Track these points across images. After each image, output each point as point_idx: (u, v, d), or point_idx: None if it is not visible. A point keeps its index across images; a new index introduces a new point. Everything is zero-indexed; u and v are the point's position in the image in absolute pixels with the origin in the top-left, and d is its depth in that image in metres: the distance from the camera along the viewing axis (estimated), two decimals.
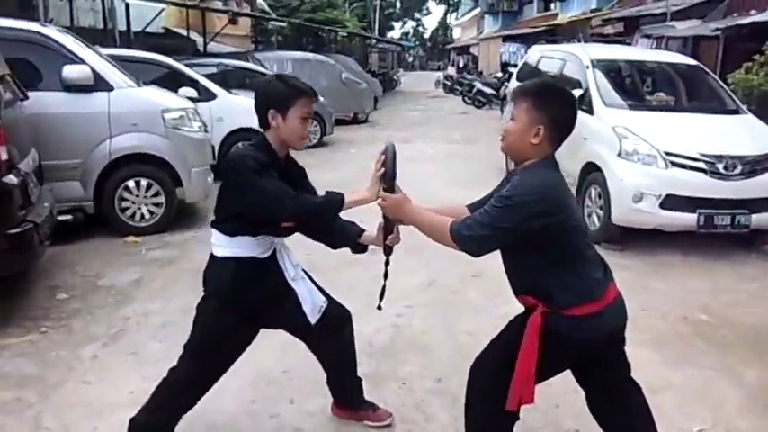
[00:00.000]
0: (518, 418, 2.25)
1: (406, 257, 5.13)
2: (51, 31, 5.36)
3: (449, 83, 28.19)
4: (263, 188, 2.19)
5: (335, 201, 2.30)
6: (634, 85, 6.56)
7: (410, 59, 67.02)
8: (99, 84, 5.27)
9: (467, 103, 21.62)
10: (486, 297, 4.43)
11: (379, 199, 2.22)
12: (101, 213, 5.51)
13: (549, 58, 7.82)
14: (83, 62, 5.22)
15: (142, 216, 5.62)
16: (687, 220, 5.17)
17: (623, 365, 2.32)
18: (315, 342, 2.66)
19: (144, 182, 5.56)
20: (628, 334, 3.95)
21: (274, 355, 3.39)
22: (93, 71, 5.21)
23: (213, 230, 2.41)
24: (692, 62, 6.94)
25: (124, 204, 5.54)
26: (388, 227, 2.37)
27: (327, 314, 2.54)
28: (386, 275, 2.50)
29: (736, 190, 5.17)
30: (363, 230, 2.55)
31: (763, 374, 3.45)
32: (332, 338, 2.63)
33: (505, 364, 2.11)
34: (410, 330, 3.87)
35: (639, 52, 8.59)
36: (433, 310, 4.18)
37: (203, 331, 2.44)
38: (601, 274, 2.13)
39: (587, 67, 6.39)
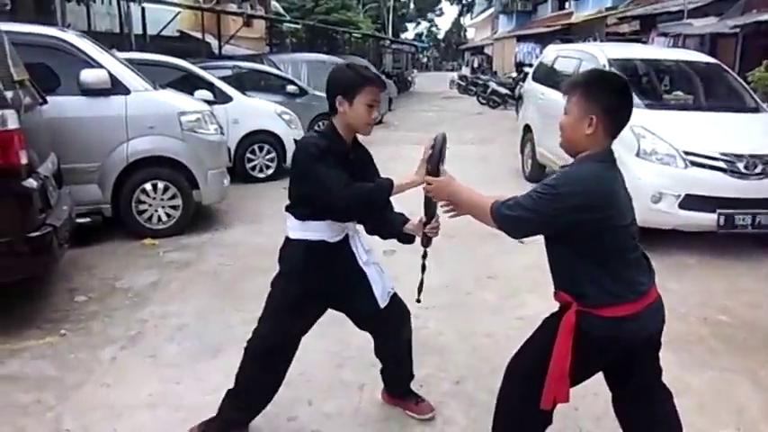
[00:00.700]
0: (550, 422, 2.22)
1: (418, 260, 5.14)
2: (70, 36, 5.42)
3: (463, 83, 28.12)
4: (317, 176, 2.29)
5: (385, 186, 2.38)
6: (651, 84, 6.49)
7: (424, 60, 66.96)
8: (116, 87, 5.31)
9: (481, 104, 21.55)
10: (502, 299, 4.41)
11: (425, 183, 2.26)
12: (118, 216, 5.56)
13: (565, 57, 7.75)
14: (100, 66, 5.26)
15: (159, 218, 5.66)
16: (707, 220, 5.11)
17: (656, 370, 2.28)
18: (381, 327, 2.72)
19: (161, 184, 5.59)
20: None
21: None
22: (111, 75, 5.25)
23: (287, 214, 2.52)
24: (711, 60, 6.85)
25: (141, 207, 5.58)
26: (429, 216, 2.46)
27: (393, 302, 2.64)
28: (423, 268, 2.59)
29: (757, 189, 5.09)
30: (408, 219, 2.62)
31: None
32: (395, 327, 2.72)
33: (540, 364, 2.08)
34: (427, 332, 3.85)
35: (656, 51, 8.50)
36: (448, 312, 4.16)
37: (274, 303, 2.58)
38: (643, 278, 2.09)
39: (604, 66, 6.32)
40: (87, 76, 5.15)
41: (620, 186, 2.08)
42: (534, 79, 8.60)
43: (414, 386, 3.17)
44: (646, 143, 5.32)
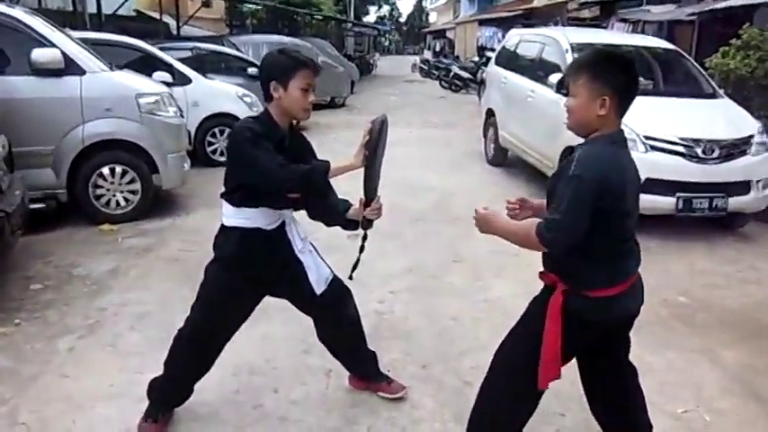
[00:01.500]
0: (536, 407, 2.23)
1: (385, 242, 5.13)
2: (18, 13, 5.17)
3: (425, 67, 28.09)
4: (252, 159, 2.25)
5: (321, 167, 2.33)
6: None
7: (386, 43, 66.58)
8: (70, 67, 5.10)
9: (444, 87, 21.59)
10: (467, 282, 4.43)
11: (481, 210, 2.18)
12: (74, 201, 5.37)
13: (527, 41, 7.78)
14: (53, 45, 5.04)
15: (117, 203, 5.49)
16: (666, 203, 5.22)
17: (627, 347, 2.33)
18: (321, 314, 2.71)
19: (119, 168, 5.42)
20: None
21: (256, 346, 3.35)
22: (64, 54, 5.04)
23: (222, 201, 2.48)
24: (670, 46, 6.96)
25: (99, 192, 5.40)
26: (368, 198, 2.43)
27: (332, 287, 2.62)
28: (362, 249, 2.57)
29: (714, 173, 5.22)
30: (351, 205, 2.58)
31: (742, 357, 3.50)
32: (338, 310, 2.70)
33: (531, 351, 2.08)
34: (393, 317, 3.85)
35: (618, 36, 8.59)
36: (414, 296, 4.16)
37: (207, 291, 2.55)
38: (633, 261, 2.11)
39: (567, 51, 6.38)
40: (39, 55, 4.93)
41: (633, 172, 2.05)
42: (497, 64, 8.62)
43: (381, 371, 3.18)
44: None
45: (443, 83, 21.78)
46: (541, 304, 2.10)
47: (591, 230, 1.93)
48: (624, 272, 2.08)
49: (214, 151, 8.16)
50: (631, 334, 3.68)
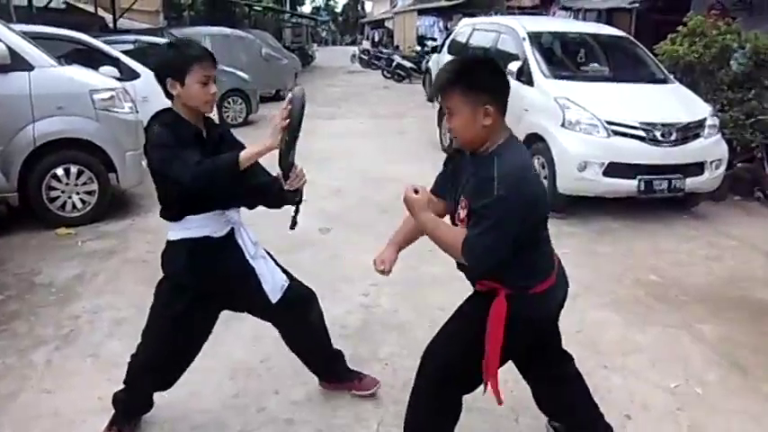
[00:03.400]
0: (460, 409, 2.23)
1: (357, 235, 5.09)
2: None
3: (365, 57, 27.95)
4: (164, 160, 2.15)
5: (234, 155, 2.14)
6: (570, 57, 6.71)
7: (323, 34, 66.00)
8: (17, 63, 4.80)
9: (386, 77, 21.57)
10: (447, 271, 4.36)
11: (411, 191, 2.02)
12: (27, 204, 5.08)
13: (481, 30, 7.85)
14: None
15: (74, 206, 5.22)
16: (628, 186, 5.38)
17: (559, 336, 2.37)
18: (281, 323, 2.62)
19: (74, 169, 5.14)
20: (585, 298, 4.12)
21: (247, 346, 3.27)
22: (10, 49, 4.73)
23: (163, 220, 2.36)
24: (622, 34, 7.16)
25: (53, 194, 5.12)
26: (285, 170, 2.25)
27: (290, 293, 2.49)
28: (295, 216, 2.42)
29: (672, 155, 5.42)
30: (277, 178, 2.37)
31: (720, 330, 3.65)
32: (298, 317, 2.59)
33: (466, 354, 2.08)
34: (380, 310, 3.82)
35: (572, 24, 8.81)
36: (398, 288, 4.13)
37: (159, 315, 2.42)
38: (550, 248, 2.14)
39: (524, 40, 6.46)
40: None
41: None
42: (450, 53, 8.66)
43: (379, 365, 3.15)
44: (570, 114, 5.50)
45: (386, 73, 21.76)
46: (480, 309, 2.05)
47: (522, 238, 1.91)
48: (551, 261, 2.11)
49: None
50: (614, 314, 3.83)
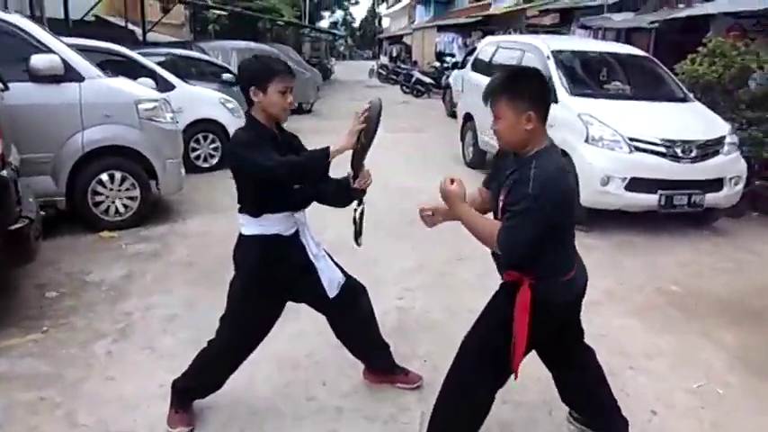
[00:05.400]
0: (492, 400, 2.41)
1: (390, 243, 5.30)
2: (17, 18, 5.12)
3: (384, 72, 28.31)
4: (251, 160, 2.38)
5: (319, 152, 2.43)
6: (592, 75, 6.92)
7: (341, 49, 66.72)
8: (69, 74, 5.08)
9: (405, 93, 21.84)
10: (477, 277, 4.61)
11: (448, 182, 2.27)
12: (73, 208, 5.34)
13: (506, 48, 8.08)
14: (51, 51, 5.01)
15: (117, 210, 5.47)
16: (649, 200, 5.56)
17: (580, 328, 2.58)
18: (335, 315, 2.85)
19: (118, 175, 5.41)
20: (609, 305, 4.29)
21: (292, 342, 3.47)
22: (63, 61, 5.01)
23: (239, 214, 2.59)
24: (643, 53, 7.37)
25: (98, 199, 5.38)
26: (356, 170, 2.54)
27: (345, 289, 2.74)
28: (362, 217, 2.68)
29: (692, 172, 5.60)
30: (348, 179, 2.65)
31: (740, 337, 3.81)
32: (351, 310, 2.82)
33: (497, 342, 2.28)
34: (415, 312, 4.02)
35: (594, 43, 9.01)
36: (430, 292, 4.34)
37: (235, 304, 2.65)
38: (575, 250, 2.35)
39: (548, 58, 6.68)
40: (38, 61, 4.89)
41: (572, 180, 2.29)
42: (474, 70, 8.90)
43: (418, 362, 3.34)
44: (594, 129, 5.70)
45: (405, 88, 22.04)
46: (507, 301, 2.27)
47: (551, 234, 2.13)
48: (572, 260, 2.32)
49: (198, 157, 8.16)
50: (636, 320, 4.01)
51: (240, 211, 2.59)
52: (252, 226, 2.56)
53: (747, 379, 3.33)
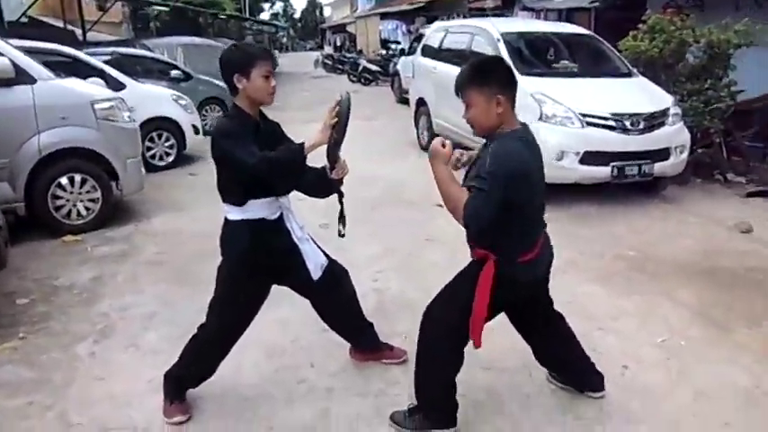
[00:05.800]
0: (462, 362, 2.58)
1: (355, 229, 5.34)
2: None
3: (330, 62, 28.20)
4: (232, 155, 2.43)
5: (296, 148, 2.49)
6: (541, 55, 7.12)
7: (284, 40, 65.93)
8: (20, 77, 4.96)
9: (353, 81, 21.82)
10: (446, 257, 4.75)
11: (439, 143, 2.37)
12: (33, 214, 5.23)
13: (455, 32, 8.22)
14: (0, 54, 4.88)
15: (78, 213, 5.39)
16: (602, 172, 5.82)
17: (548, 297, 2.79)
18: (319, 297, 2.94)
19: (78, 177, 5.33)
20: (573, 274, 4.50)
21: (277, 330, 3.53)
22: (14, 63, 4.89)
23: (224, 204, 2.64)
24: (587, 32, 7.65)
25: (58, 203, 5.29)
26: (332, 162, 2.63)
27: (328, 271, 2.84)
28: (341, 202, 2.80)
29: (641, 143, 5.87)
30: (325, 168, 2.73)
31: (697, 294, 4.08)
32: (335, 291, 2.93)
33: (464, 311, 2.44)
34: (391, 292, 4.14)
35: (540, 24, 9.23)
36: (402, 274, 4.46)
37: (224, 289, 2.71)
38: (539, 228, 2.51)
39: (498, 40, 6.86)
40: None
41: (536, 162, 2.40)
42: (424, 55, 9.02)
43: (399, 339, 3.45)
44: (546, 108, 5.91)
45: (352, 77, 22.04)
46: (472, 274, 2.45)
47: (508, 213, 2.28)
48: (535, 236, 2.48)
49: (153, 156, 8.05)
50: (599, 286, 4.22)
51: (224, 201, 2.63)
52: (237, 212, 2.60)
53: (706, 330, 3.58)
